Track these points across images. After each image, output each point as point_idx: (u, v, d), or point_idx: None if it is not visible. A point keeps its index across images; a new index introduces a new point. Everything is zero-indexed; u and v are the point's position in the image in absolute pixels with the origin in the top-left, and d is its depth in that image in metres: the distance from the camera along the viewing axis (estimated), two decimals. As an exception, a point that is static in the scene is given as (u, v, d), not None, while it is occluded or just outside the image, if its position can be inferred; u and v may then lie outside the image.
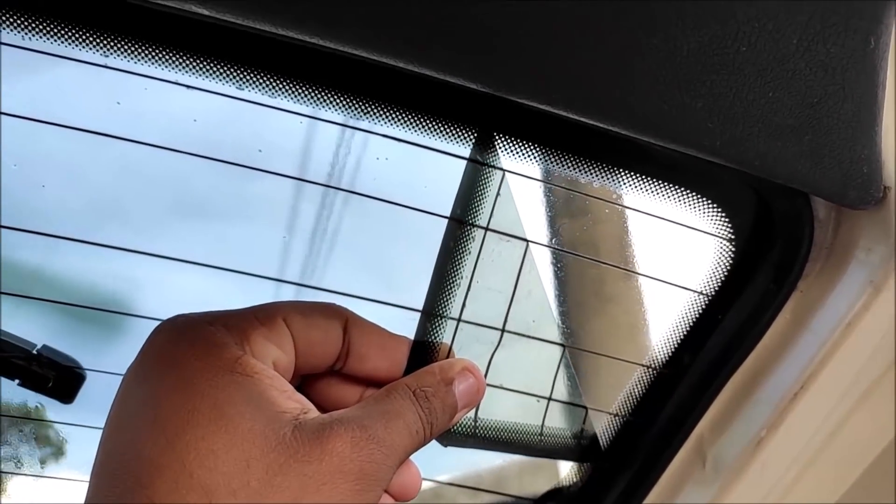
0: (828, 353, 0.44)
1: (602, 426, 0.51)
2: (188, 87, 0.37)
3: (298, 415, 0.31)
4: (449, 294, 0.40)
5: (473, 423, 0.45)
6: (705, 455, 0.48)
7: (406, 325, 0.40)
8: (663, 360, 0.48)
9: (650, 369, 0.49)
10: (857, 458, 0.47)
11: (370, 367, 0.37)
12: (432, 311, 0.40)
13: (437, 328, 0.40)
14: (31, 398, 0.51)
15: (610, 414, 0.50)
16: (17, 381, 0.47)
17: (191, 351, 0.31)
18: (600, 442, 0.51)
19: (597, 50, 0.31)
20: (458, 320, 0.41)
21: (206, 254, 0.45)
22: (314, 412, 0.32)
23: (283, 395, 0.31)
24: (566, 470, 0.55)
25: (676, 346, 0.48)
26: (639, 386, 0.49)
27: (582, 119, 0.35)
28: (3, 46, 0.35)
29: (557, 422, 0.50)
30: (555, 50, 0.31)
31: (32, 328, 0.48)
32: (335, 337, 0.36)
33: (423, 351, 0.39)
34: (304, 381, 0.37)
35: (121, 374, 0.33)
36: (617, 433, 0.50)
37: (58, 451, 0.55)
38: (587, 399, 0.50)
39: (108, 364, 0.47)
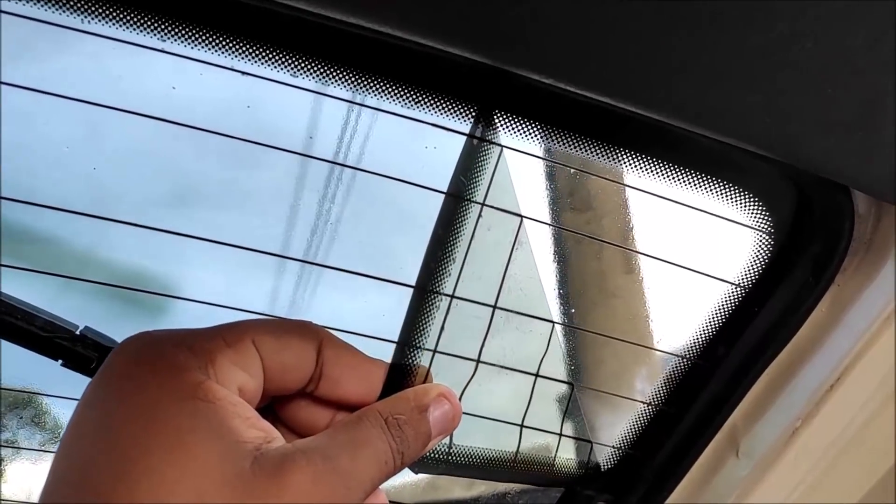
0: (864, 346, 0.45)
1: (610, 432, 0.51)
2: (243, 74, 0.38)
3: (261, 444, 0.29)
4: (442, 269, 0.39)
5: (447, 450, 0.44)
6: (738, 444, 0.49)
7: (401, 302, 0.39)
8: (699, 350, 0.49)
9: (685, 359, 0.49)
10: (889, 449, 0.48)
11: (343, 390, 0.35)
12: (426, 287, 0.39)
13: (430, 304, 0.39)
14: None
15: (645, 404, 0.50)
16: (60, 361, 0.47)
17: (151, 374, 0.30)
18: (596, 464, 0.51)
19: (660, 46, 0.31)
20: (452, 297, 0.40)
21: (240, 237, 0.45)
22: (278, 440, 0.31)
23: (245, 424, 0.30)
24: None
25: (712, 336, 0.48)
26: (674, 375, 0.49)
27: (632, 109, 0.35)
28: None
29: (544, 430, 0.48)
30: (615, 43, 0.31)
31: (73, 310, 0.48)
32: (308, 359, 0.34)
33: (400, 375, 0.37)
34: (274, 402, 0.36)
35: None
36: (650, 421, 0.51)
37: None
38: (588, 399, 0.50)
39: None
